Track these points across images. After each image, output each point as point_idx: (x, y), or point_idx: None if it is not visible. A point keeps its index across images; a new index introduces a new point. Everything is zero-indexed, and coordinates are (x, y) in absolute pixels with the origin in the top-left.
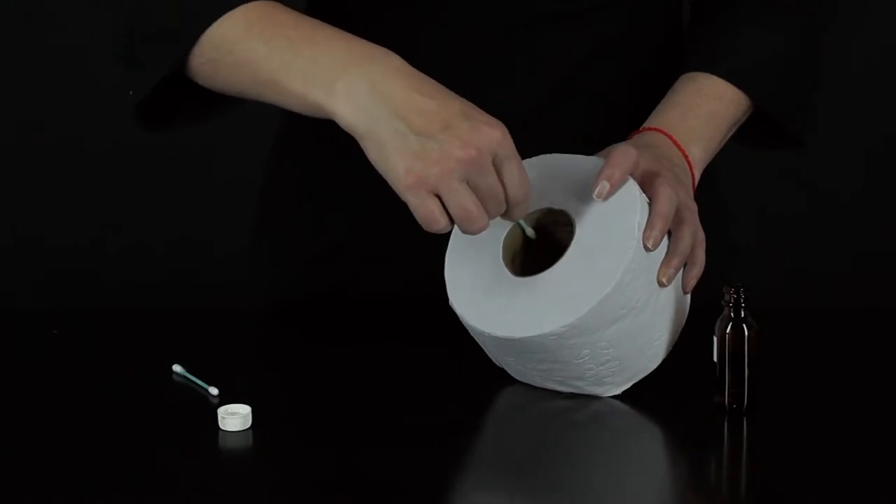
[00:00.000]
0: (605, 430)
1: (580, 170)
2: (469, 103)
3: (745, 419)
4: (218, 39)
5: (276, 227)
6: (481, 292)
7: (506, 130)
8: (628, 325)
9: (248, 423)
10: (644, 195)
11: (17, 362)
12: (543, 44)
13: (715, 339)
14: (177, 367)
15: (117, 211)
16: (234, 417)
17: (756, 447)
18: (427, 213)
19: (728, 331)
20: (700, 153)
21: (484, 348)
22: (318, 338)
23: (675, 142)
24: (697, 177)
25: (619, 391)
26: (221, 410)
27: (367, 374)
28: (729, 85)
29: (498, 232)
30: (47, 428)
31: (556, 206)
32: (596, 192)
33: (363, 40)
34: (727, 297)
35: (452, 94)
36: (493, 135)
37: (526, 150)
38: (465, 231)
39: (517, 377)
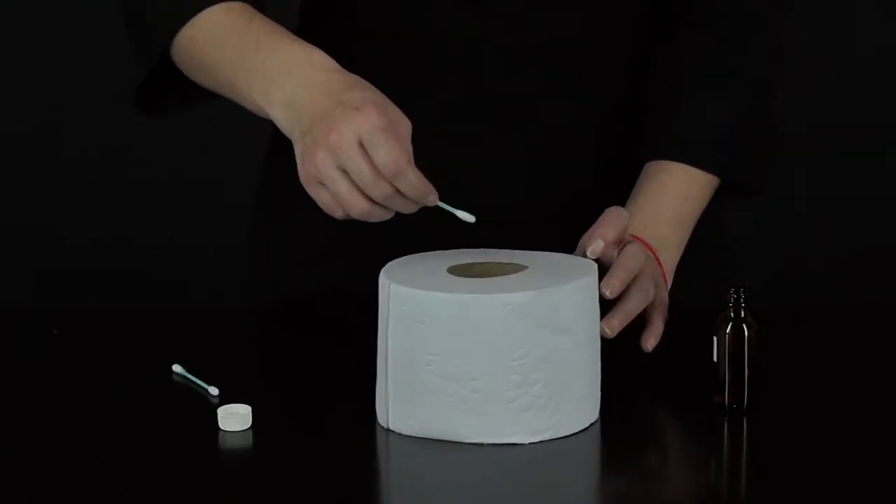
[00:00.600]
0: (605, 431)
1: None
2: (369, 93)
3: (745, 419)
4: (185, 43)
5: (273, 225)
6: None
7: (376, 112)
8: (564, 348)
9: (248, 423)
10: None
11: (17, 362)
12: (526, 36)
13: (715, 339)
14: (177, 367)
15: (117, 211)
16: (234, 417)
17: (756, 448)
18: (322, 203)
19: (728, 331)
20: (672, 258)
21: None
22: (318, 337)
23: (648, 246)
24: (669, 281)
25: (528, 439)
26: (221, 410)
27: (368, 373)
28: (692, 169)
29: (443, 263)
30: (47, 428)
31: (505, 261)
32: (590, 249)
33: (301, 44)
34: (727, 298)
35: (359, 86)
36: (357, 118)
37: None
38: (355, 216)
39: (415, 428)
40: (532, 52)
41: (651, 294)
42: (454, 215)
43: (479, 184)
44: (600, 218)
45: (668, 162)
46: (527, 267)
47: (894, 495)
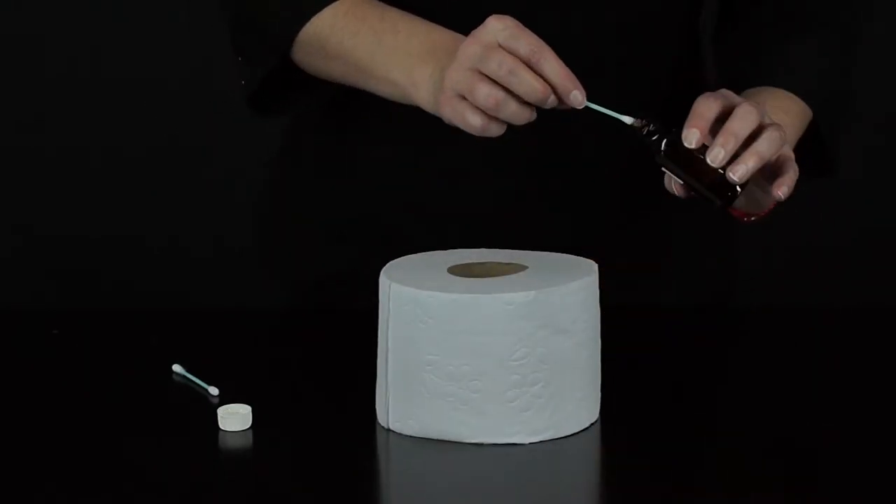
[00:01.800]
0: (605, 431)
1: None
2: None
3: (743, 423)
4: (311, 38)
5: (285, 218)
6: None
7: (503, 17)
8: (565, 348)
9: (248, 423)
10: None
11: (17, 362)
12: (565, 25)
13: (665, 170)
14: (177, 367)
15: (118, 211)
16: (234, 417)
17: (757, 447)
18: (458, 117)
19: (663, 150)
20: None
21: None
22: (319, 337)
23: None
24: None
25: (528, 439)
26: (221, 410)
27: (368, 373)
28: (794, 99)
29: (442, 262)
30: (47, 428)
31: (505, 261)
32: (685, 137)
33: (440, 29)
34: (645, 132)
35: None
36: (491, 24)
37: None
38: (501, 116)
39: (415, 428)
40: (576, 41)
41: (781, 139)
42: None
43: (496, 177)
44: (692, 109)
45: (770, 89)
46: (527, 267)
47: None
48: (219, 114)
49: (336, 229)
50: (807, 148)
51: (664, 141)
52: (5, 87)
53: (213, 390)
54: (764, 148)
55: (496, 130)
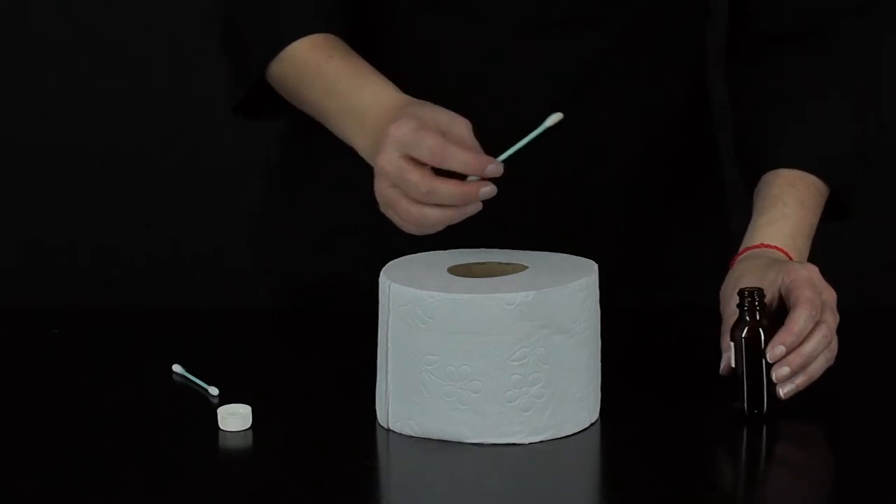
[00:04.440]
0: (605, 431)
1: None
2: (414, 107)
3: (764, 425)
4: (277, 76)
5: (281, 216)
6: (424, 277)
7: (406, 120)
8: (564, 348)
9: (248, 423)
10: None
11: (17, 362)
12: (555, 48)
13: (732, 343)
14: (177, 367)
15: (117, 211)
16: (234, 417)
17: (756, 447)
18: (399, 225)
19: (744, 335)
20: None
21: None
22: (318, 337)
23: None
24: None
25: (528, 439)
26: (221, 410)
27: (368, 373)
28: (817, 181)
29: (442, 262)
30: (47, 428)
31: (505, 261)
32: (770, 350)
33: (374, 85)
34: (742, 301)
35: (410, 105)
36: (389, 135)
37: (539, 151)
38: (428, 228)
39: (415, 428)
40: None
41: (832, 332)
42: (538, 135)
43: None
44: (790, 318)
45: (791, 171)
46: (527, 267)
47: None
48: (220, 116)
49: (332, 233)
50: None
51: (751, 327)
52: (7, 90)
53: (213, 390)
54: (817, 369)
55: (434, 221)
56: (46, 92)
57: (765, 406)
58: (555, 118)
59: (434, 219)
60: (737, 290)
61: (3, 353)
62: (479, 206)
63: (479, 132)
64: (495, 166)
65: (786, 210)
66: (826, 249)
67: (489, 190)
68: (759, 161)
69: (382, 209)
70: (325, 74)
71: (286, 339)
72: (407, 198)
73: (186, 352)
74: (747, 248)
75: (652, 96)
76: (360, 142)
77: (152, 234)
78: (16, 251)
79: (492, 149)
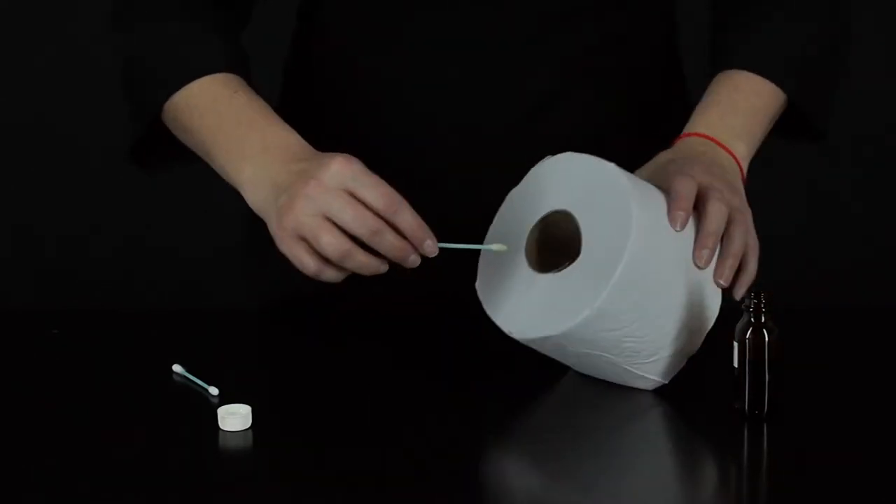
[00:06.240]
0: (605, 431)
1: (591, 171)
2: (337, 155)
3: (765, 425)
4: (170, 107)
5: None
6: (514, 299)
7: (351, 160)
8: (644, 304)
9: (248, 423)
10: (636, 192)
11: (17, 362)
12: (543, 42)
13: (735, 344)
14: (177, 367)
15: (117, 211)
16: (234, 417)
17: (756, 447)
18: (295, 258)
19: (748, 335)
20: (745, 149)
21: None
22: (318, 337)
23: (719, 143)
24: (745, 173)
25: (657, 377)
26: (221, 410)
27: (368, 373)
28: (766, 80)
29: (519, 238)
30: (47, 428)
31: (559, 208)
32: (678, 225)
33: (279, 126)
34: (747, 302)
35: (326, 154)
36: (332, 166)
37: (525, 148)
38: (335, 260)
39: (579, 369)
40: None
41: (750, 225)
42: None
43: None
44: (671, 191)
45: (739, 72)
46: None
47: None
48: None
49: None
50: (789, 117)
51: (756, 329)
52: (5, 87)
53: (213, 390)
54: (737, 248)
55: (332, 277)
56: (46, 92)
57: (766, 408)
58: (499, 247)
59: (357, 261)
60: (742, 292)
61: (3, 353)
62: (384, 267)
63: (450, 137)
64: (432, 242)
65: (718, 98)
66: (825, 249)
67: (430, 244)
68: (714, 64)
69: (282, 239)
70: (228, 104)
71: (285, 339)
72: (331, 225)
73: (186, 352)
74: (674, 140)
75: (631, 87)
76: (249, 176)
77: (152, 234)
78: (16, 251)
79: (467, 155)
